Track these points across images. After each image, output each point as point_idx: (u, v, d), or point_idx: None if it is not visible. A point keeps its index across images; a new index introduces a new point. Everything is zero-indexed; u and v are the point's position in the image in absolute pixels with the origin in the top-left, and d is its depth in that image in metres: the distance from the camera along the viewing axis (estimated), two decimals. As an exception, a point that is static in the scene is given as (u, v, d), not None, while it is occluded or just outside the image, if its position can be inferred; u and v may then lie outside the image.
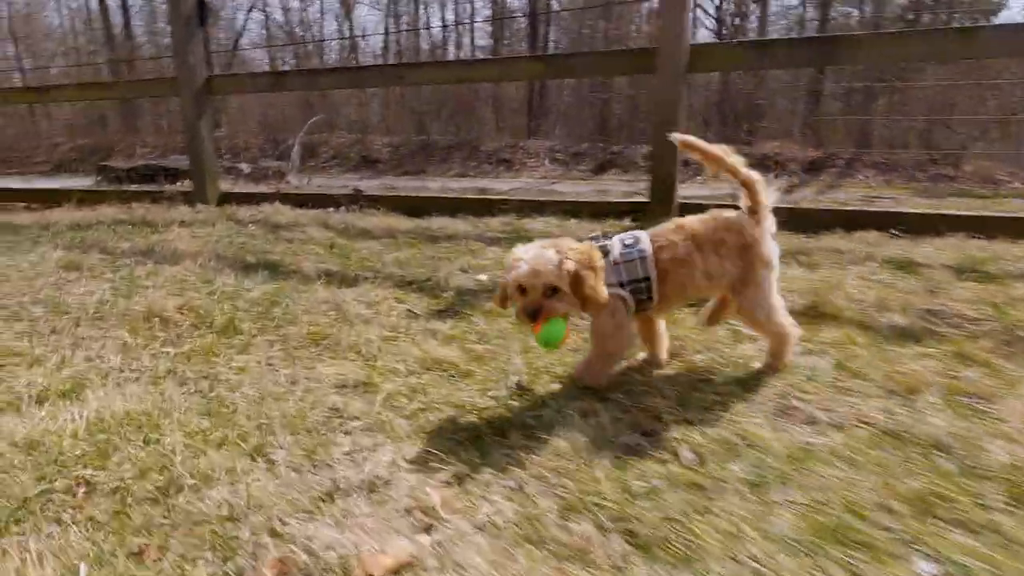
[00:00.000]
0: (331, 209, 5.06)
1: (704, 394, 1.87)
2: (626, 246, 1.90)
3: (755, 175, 1.93)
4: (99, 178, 9.27)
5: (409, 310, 2.73)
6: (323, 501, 1.44)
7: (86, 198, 6.01)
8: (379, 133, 14.39)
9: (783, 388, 1.88)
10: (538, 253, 1.78)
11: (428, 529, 1.35)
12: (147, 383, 2.09)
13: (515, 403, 1.88)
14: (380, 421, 1.79)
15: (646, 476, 1.49)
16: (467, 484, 1.49)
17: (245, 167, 9.43)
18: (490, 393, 1.93)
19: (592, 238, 1.93)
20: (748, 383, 1.92)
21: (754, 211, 1.93)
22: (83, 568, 1.24)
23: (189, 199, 5.53)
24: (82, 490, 1.50)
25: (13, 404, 1.97)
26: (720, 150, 1.92)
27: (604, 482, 1.46)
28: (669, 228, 1.94)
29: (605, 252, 1.87)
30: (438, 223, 4.43)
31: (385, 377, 2.06)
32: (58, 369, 2.24)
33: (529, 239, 1.95)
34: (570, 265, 1.74)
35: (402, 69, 4.96)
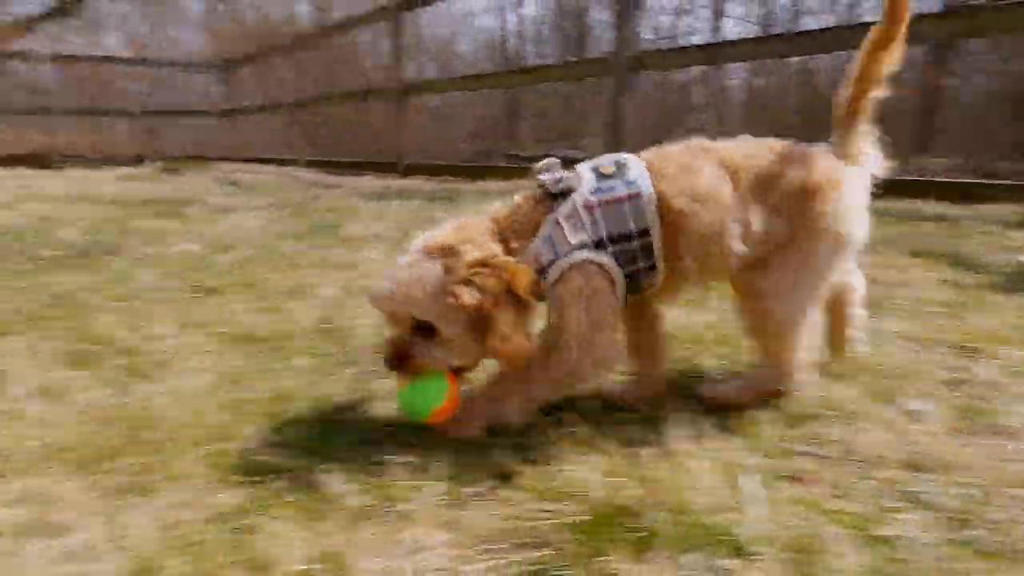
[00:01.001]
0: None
1: None
2: (603, 176, 1.16)
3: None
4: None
5: (944, 280, 2.23)
6: None
7: (499, 172, 6.61)
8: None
9: None
10: (414, 263, 1.10)
11: None
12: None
13: None
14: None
15: None
16: None
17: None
18: None
19: (543, 174, 1.17)
20: None
21: (854, 145, 1.22)
22: (750, 480, 1.02)
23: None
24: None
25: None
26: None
27: None
28: (682, 150, 1.21)
29: (567, 190, 1.14)
30: (924, 207, 3.60)
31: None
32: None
33: None
34: (467, 298, 1.04)
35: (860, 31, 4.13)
